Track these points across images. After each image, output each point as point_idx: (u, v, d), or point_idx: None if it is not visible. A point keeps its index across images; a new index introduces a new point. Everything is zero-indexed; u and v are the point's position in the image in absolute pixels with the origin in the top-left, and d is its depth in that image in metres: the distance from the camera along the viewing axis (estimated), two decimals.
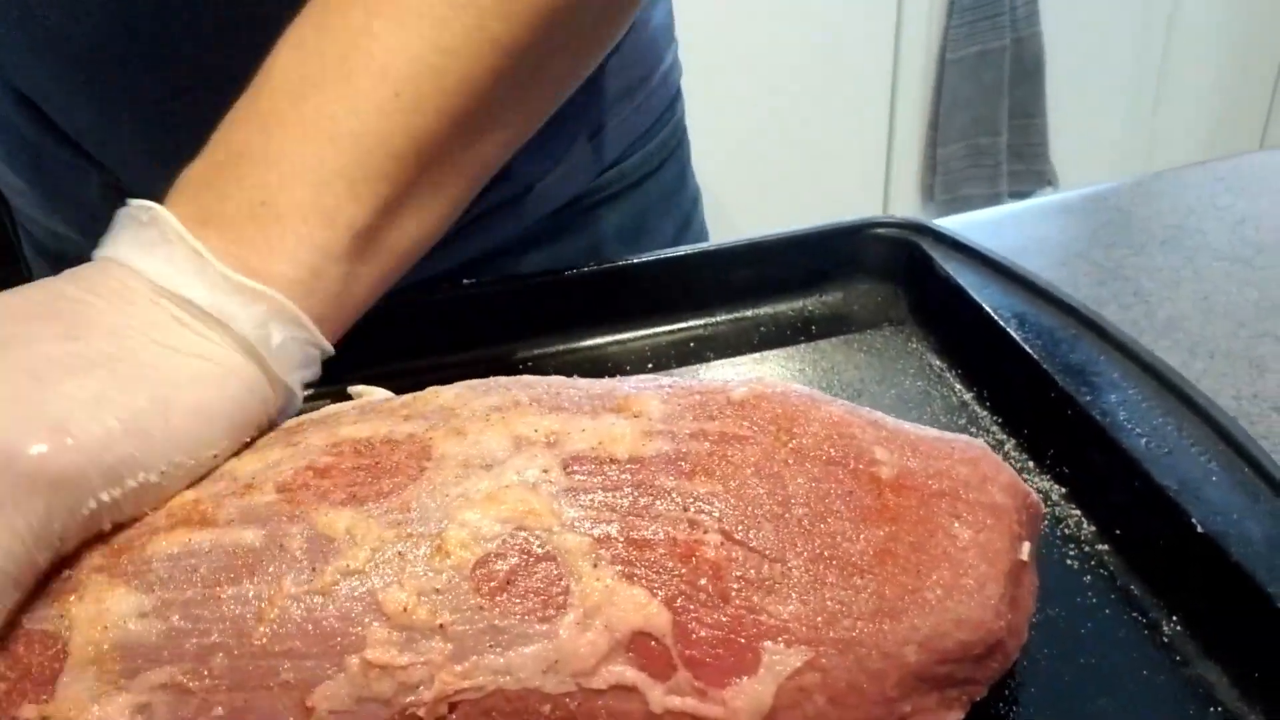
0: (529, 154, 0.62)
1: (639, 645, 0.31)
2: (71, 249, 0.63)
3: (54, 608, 0.30)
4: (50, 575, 0.31)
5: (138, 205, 0.36)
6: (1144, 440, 0.42)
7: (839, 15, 1.78)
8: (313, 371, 0.37)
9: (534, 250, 0.66)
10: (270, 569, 0.31)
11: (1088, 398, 0.44)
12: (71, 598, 0.30)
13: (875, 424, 0.35)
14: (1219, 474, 0.40)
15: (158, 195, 0.56)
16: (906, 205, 2.00)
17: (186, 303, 0.33)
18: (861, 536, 0.32)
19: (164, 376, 0.32)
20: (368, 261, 0.37)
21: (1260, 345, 0.58)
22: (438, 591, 0.30)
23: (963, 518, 0.33)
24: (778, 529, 0.32)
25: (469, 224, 0.62)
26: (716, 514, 0.32)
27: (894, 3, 1.81)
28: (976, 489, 0.34)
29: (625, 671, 0.30)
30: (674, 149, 0.71)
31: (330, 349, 0.37)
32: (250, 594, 0.30)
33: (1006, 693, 0.37)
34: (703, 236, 0.77)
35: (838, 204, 1.91)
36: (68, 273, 0.35)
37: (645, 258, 0.55)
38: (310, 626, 0.30)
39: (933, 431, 0.36)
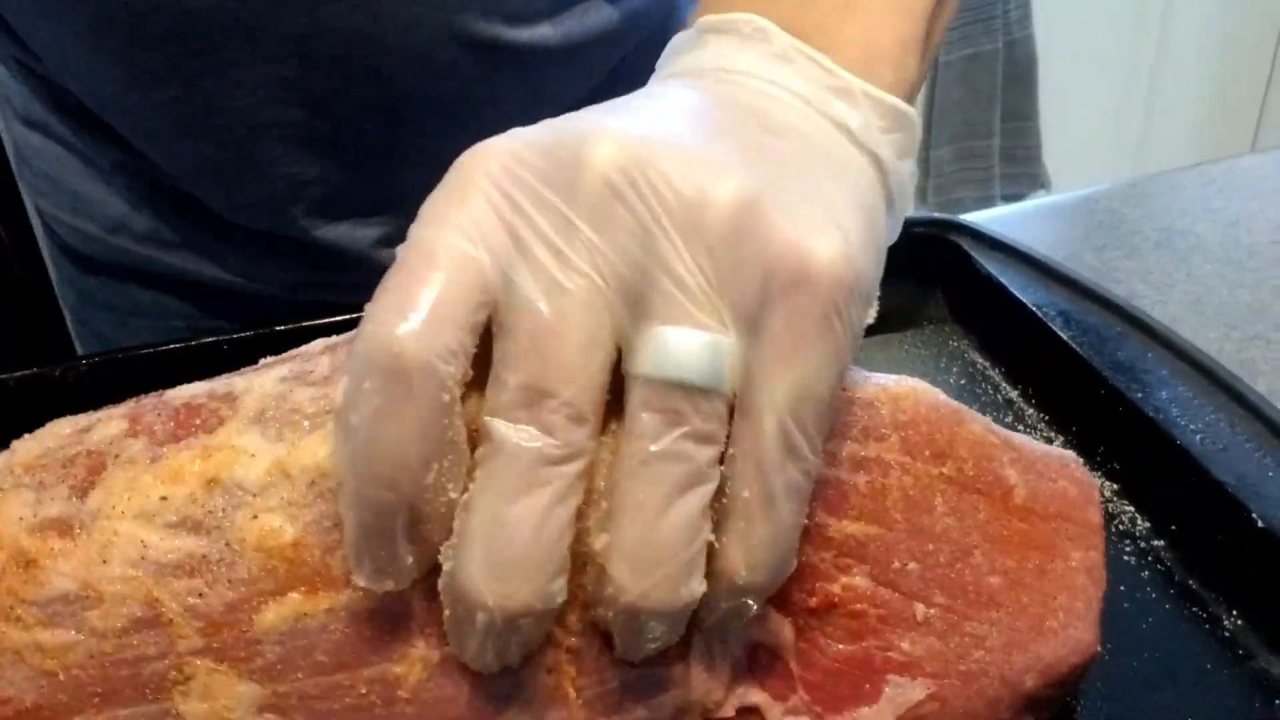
0: None
1: (760, 661, 0.30)
2: (100, 250, 0.62)
3: (160, 703, 0.27)
4: (145, 658, 0.27)
5: (733, 18, 0.31)
6: (1198, 436, 0.42)
7: None
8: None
9: None
10: (401, 636, 0.27)
11: (1138, 394, 0.44)
12: (177, 692, 0.27)
13: (1006, 443, 0.35)
14: (1275, 470, 0.40)
15: (185, 175, 0.56)
16: None
17: (839, 123, 0.30)
18: (998, 568, 0.32)
19: (862, 188, 0.29)
20: (923, 58, 0.34)
21: (1251, 348, 0.59)
22: (570, 652, 0.28)
23: (1075, 540, 0.34)
24: (923, 569, 0.31)
25: None
26: (866, 555, 0.31)
27: None
28: (1082, 509, 0.34)
29: (750, 692, 0.30)
30: None
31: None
32: (385, 673, 0.27)
33: None
34: None
35: None
36: (684, 82, 0.31)
37: None
38: (448, 694, 0.28)
39: (1038, 445, 0.36)
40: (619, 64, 0.60)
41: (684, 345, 0.25)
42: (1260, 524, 0.38)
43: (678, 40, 0.33)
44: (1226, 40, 2.06)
